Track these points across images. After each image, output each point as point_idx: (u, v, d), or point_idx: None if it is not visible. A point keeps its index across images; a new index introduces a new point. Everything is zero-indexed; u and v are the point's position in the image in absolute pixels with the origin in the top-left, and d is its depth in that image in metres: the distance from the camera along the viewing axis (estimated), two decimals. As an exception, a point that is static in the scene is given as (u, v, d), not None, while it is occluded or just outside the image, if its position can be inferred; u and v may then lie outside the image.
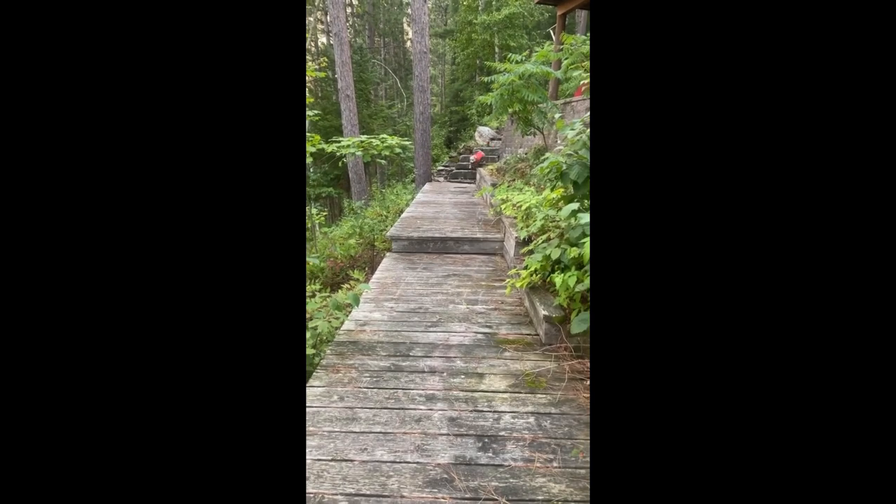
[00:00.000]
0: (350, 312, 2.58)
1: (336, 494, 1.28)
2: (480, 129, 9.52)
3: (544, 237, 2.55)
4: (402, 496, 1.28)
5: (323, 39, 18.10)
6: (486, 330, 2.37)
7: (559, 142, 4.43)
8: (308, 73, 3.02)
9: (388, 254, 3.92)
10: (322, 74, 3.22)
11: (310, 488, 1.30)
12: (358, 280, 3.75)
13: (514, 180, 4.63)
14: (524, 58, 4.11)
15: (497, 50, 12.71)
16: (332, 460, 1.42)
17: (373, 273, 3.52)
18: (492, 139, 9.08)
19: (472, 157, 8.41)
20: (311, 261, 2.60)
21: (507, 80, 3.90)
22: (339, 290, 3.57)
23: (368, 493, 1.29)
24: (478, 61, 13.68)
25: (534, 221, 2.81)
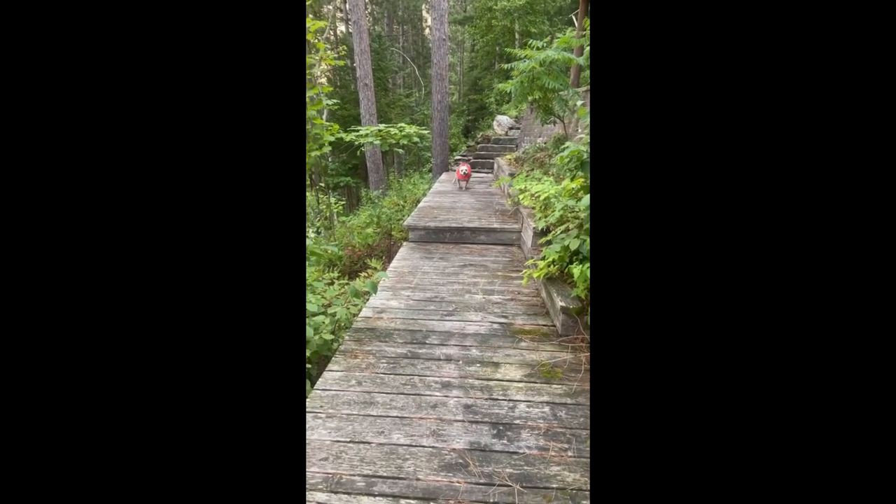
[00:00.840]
0: (368, 300, 2.62)
1: (354, 475, 1.32)
2: (499, 117, 9.40)
3: (563, 228, 2.52)
4: (418, 479, 1.31)
5: (342, 27, 18.08)
6: (502, 320, 2.38)
7: (580, 130, 4.34)
8: (327, 61, 3.03)
9: (405, 243, 3.95)
10: (341, 63, 3.22)
11: (328, 468, 1.34)
12: (375, 269, 3.79)
13: (532, 170, 4.57)
14: (545, 44, 4.01)
15: (517, 36, 12.44)
16: (350, 442, 1.46)
17: (390, 262, 3.55)
18: (510, 128, 8.96)
19: (459, 172, 5.76)
20: (330, 249, 2.65)
21: (528, 67, 3.82)
22: (357, 278, 3.62)
23: (385, 474, 1.32)
24: (497, 48, 13.44)
25: (552, 212, 2.78)
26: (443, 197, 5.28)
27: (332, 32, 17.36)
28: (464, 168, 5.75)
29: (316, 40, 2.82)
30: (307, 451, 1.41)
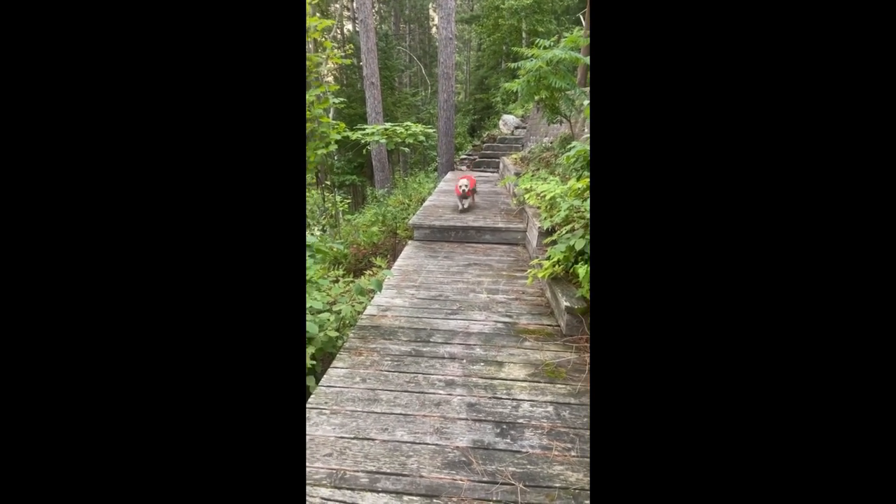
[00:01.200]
0: (373, 298, 2.63)
1: (358, 471, 1.33)
2: (505, 117, 9.37)
3: (568, 227, 2.51)
4: (422, 476, 1.31)
5: (349, 26, 18.12)
6: (507, 319, 2.38)
7: (586, 130, 4.32)
8: (334, 59, 3.04)
9: (409, 242, 3.95)
10: (347, 62, 3.24)
11: (333, 464, 1.36)
12: (380, 267, 3.81)
13: (538, 170, 4.55)
14: (552, 43, 3.99)
15: (524, 35, 12.40)
16: (354, 438, 1.47)
17: (395, 260, 3.56)
18: (516, 127, 8.93)
19: (457, 187, 4.22)
20: (336, 247, 2.66)
21: (535, 67, 3.81)
22: (363, 276, 3.64)
23: (388, 471, 1.33)
24: (504, 47, 13.40)
25: (558, 212, 2.77)
26: (448, 196, 5.27)
27: (338, 31, 17.40)
28: (464, 182, 4.12)
29: (323, 39, 2.84)
30: (311, 446, 1.42)
